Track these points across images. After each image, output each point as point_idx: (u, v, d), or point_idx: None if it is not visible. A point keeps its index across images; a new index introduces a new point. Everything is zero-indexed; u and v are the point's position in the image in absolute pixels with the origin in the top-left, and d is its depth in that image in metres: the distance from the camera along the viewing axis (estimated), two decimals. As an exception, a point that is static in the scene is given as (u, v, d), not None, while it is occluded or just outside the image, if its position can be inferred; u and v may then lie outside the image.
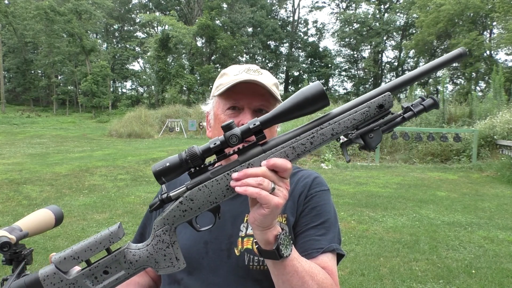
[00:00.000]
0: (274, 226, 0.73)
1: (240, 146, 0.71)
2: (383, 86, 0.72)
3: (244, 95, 0.93)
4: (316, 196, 0.98)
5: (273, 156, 0.69)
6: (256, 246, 0.76)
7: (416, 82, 0.75)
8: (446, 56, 0.73)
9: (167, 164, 0.68)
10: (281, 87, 47.35)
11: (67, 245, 4.44)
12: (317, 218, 0.95)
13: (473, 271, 3.80)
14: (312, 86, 0.69)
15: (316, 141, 0.70)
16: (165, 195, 0.71)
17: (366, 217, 5.70)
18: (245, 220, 0.97)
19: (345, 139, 0.73)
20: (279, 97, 0.97)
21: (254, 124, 0.69)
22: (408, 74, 0.72)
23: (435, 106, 0.73)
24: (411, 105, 0.74)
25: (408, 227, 5.20)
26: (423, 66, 0.73)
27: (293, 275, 0.76)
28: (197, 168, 0.71)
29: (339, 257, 0.97)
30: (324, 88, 0.68)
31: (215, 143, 0.68)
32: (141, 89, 49.57)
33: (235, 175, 0.67)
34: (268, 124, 0.70)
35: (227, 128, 0.68)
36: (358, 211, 5.99)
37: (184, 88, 32.43)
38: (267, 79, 0.95)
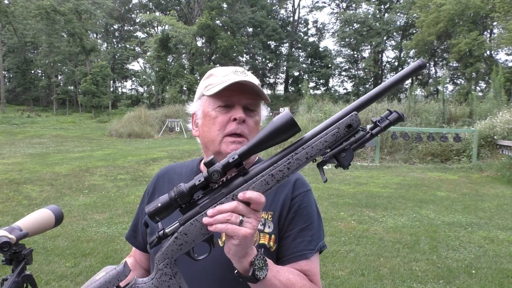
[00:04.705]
0: (248, 254, 0.78)
1: (224, 178, 0.76)
2: (350, 106, 0.76)
3: (235, 93, 0.98)
4: (300, 197, 1.03)
5: (255, 185, 0.74)
6: (235, 271, 0.80)
7: (382, 97, 0.80)
8: (406, 69, 0.76)
9: (159, 204, 0.74)
10: (281, 87, 47.29)
11: (67, 245, 4.44)
12: (301, 222, 1.00)
13: (473, 271, 3.80)
14: (282, 116, 0.73)
15: (293, 166, 0.74)
16: (162, 232, 0.77)
17: (366, 217, 5.70)
18: None
19: (321, 159, 0.77)
20: (265, 96, 1.02)
21: (233, 158, 0.73)
22: (372, 92, 0.76)
23: (400, 119, 0.77)
24: (378, 121, 0.77)
25: (408, 227, 5.20)
26: (385, 82, 0.76)
27: None
28: (187, 204, 0.76)
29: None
30: (293, 115, 0.70)
31: (200, 180, 0.74)
32: (141, 89, 49.60)
33: (210, 212, 0.73)
34: (246, 156, 0.74)
35: (209, 164, 0.73)
36: (358, 211, 5.99)
37: (184, 88, 32.44)
38: (253, 80, 1.00)
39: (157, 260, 0.78)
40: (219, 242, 0.99)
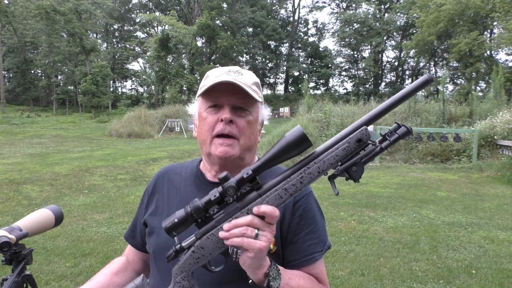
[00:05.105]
0: (263, 265, 0.80)
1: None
2: (359, 120, 0.78)
3: (224, 93, 0.97)
4: (303, 201, 1.04)
5: (268, 200, 0.76)
6: (250, 281, 0.82)
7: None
8: (414, 84, 0.78)
9: (175, 220, 0.76)
10: (281, 87, 47.50)
11: (67, 245, 4.44)
12: (307, 225, 1.02)
13: (473, 271, 3.80)
14: (294, 131, 0.75)
15: (305, 180, 0.76)
16: (178, 246, 0.80)
17: (366, 217, 5.70)
18: None
19: (332, 172, 0.79)
20: (257, 95, 1.00)
21: (247, 174, 0.75)
22: (380, 106, 0.79)
23: (408, 133, 0.79)
24: (387, 134, 0.79)
25: (408, 227, 5.20)
26: (392, 97, 0.79)
27: None
28: (203, 218, 0.79)
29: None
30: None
31: (215, 195, 0.76)
32: (141, 89, 49.62)
33: (225, 226, 0.75)
34: (259, 171, 0.76)
35: (224, 179, 0.75)
36: (358, 211, 5.98)
37: (184, 88, 32.45)
38: (246, 79, 0.99)
39: (175, 273, 0.81)
40: None
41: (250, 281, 0.82)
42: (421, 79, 0.78)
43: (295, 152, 0.75)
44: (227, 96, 0.98)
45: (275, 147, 0.76)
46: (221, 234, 0.75)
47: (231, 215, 0.77)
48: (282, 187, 0.76)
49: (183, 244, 0.80)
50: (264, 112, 1.09)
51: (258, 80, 1.05)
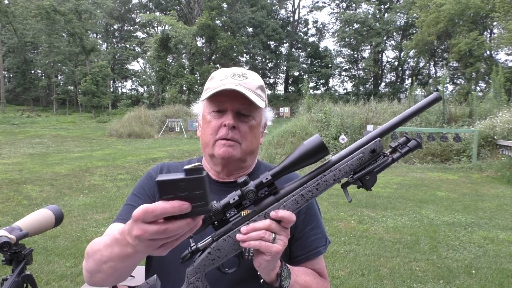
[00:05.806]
0: (275, 267, 0.83)
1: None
2: (373, 132, 0.82)
3: (228, 98, 0.98)
4: None
5: (286, 204, 0.79)
6: (261, 280, 0.85)
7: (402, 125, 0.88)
8: (423, 101, 0.84)
9: None
10: (281, 87, 47.49)
11: (67, 245, 4.44)
12: (310, 221, 1.07)
13: (473, 271, 3.80)
14: (313, 140, 0.79)
15: (321, 187, 0.80)
16: (194, 246, 0.81)
17: (366, 217, 5.70)
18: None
19: (345, 180, 0.83)
20: (261, 99, 1.00)
21: (267, 178, 0.78)
22: (392, 121, 0.84)
23: (419, 146, 0.85)
24: (398, 147, 0.83)
25: (408, 227, 5.20)
26: (402, 113, 0.84)
27: None
28: (220, 220, 0.80)
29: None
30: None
31: (234, 199, 0.77)
32: (141, 89, 49.59)
33: (244, 229, 0.77)
34: (278, 176, 0.79)
35: (243, 183, 0.77)
36: (358, 211, 5.99)
37: (184, 88, 32.44)
38: (251, 83, 1.00)
39: (189, 274, 0.82)
40: None
41: (262, 280, 0.84)
42: (430, 97, 0.83)
43: (313, 159, 0.78)
44: (231, 102, 0.98)
45: (294, 154, 0.79)
46: (239, 236, 0.77)
47: (248, 218, 0.79)
48: (299, 193, 0.79)
49: (199, 245, 0.81)
50: (268, 114, 1.10)
51: (262, 82, 1.05)
